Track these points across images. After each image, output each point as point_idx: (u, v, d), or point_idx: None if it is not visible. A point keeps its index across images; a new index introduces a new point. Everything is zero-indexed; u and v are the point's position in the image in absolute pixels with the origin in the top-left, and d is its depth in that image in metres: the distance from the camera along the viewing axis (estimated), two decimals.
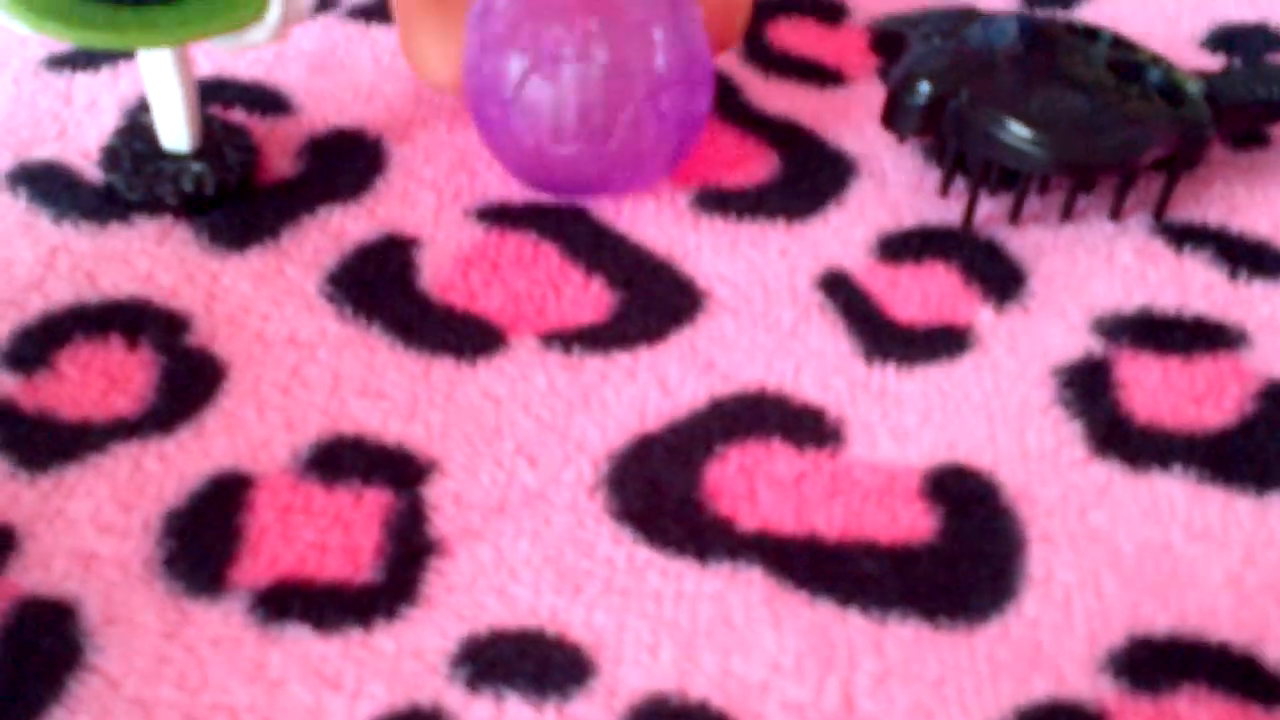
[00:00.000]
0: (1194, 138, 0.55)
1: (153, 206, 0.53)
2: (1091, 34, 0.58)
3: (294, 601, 0.40)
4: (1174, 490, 0.46)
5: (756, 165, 0.58)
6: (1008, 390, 0.49)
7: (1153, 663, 0.40)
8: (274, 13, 0.50)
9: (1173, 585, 0.43)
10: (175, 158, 0.54)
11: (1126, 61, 0.57)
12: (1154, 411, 0.49)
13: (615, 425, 0.46)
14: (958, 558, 0.43)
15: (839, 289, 0.53)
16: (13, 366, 0.47)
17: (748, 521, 0.44)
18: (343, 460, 0.44)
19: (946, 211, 0.57)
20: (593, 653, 0.40)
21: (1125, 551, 0.44)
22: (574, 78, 0.50)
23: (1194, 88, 0.56)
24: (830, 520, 0.44)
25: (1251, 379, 0.50)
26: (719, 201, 0.56)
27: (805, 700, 0.39)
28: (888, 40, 0.66)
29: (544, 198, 0.56)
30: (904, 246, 0.55)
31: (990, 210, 0.57)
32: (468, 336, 0.49)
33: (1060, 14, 0.71)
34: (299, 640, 0.39)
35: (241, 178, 0.54)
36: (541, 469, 0.45)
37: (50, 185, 0.54)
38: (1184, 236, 0.56)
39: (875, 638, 0.41)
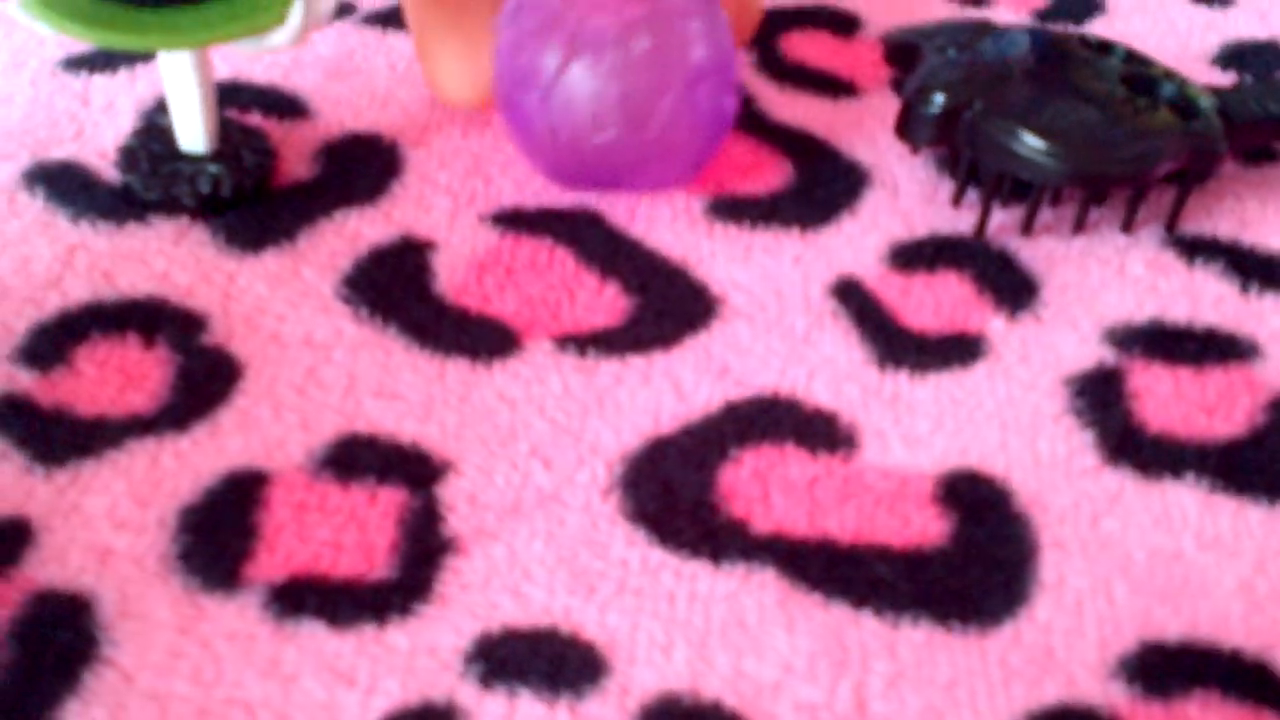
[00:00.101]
0: (1206, 152, 0.55)
1: (170, 207, 0.53)
2: (1105, 48, 0.59)
3: (309, 598, 0.40)
4: (1185, 499, 0.46)
5: (771, 174, 0.59)
6: (1020, 398, 0.49)
7: (1164, 669, 0.40)
8: (295, 17, 0.50)
9: (1184, 592, 0.43)
10: (192, 159, 0.54)
11: (1140, 76, 0.57)
12: (1166, 421, 0.49)
13: (630, 428, 0.47)
14: (970, 562, 0.43)
15: (852, 296, 0.53)
16: (30, 363, 0.47)
17: (761, 524, 0.44)
18: (358, 459, 0.45)
19: (959, 222, 0.57)
20: (606, 652, 0.40)
21: (1137, 559, 0.44)
22: (617, 63, 0.50)
23: (1207, 103, 0.57)
24: (843, 524, 0.44)
25: (1262, 390, 0.50)
26: (733, 209, 0.56)
27: (818, 701, 0.39)
28: (901, 53, 0.66)
29: (559, 203, 0.56)
30: (917, 255, 0.55)
31: (1003, 221, 0.57)
32: (483, 339, 0.50)
33: (1073, 28, 0.72)
34: (313, 636, 0.39)
35: (258, 180, 0.55)
36: (556, 470, 0.45)
37: (68, 185, 0.54)
38: (1195, 249, 0.57)
39: (888, 640, 0.41)
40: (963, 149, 0.55)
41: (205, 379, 0.47)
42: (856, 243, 0.55)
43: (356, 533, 0.42)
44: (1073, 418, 0.49)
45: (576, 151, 0.53)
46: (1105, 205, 0.59)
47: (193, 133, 0.54)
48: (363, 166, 0.57)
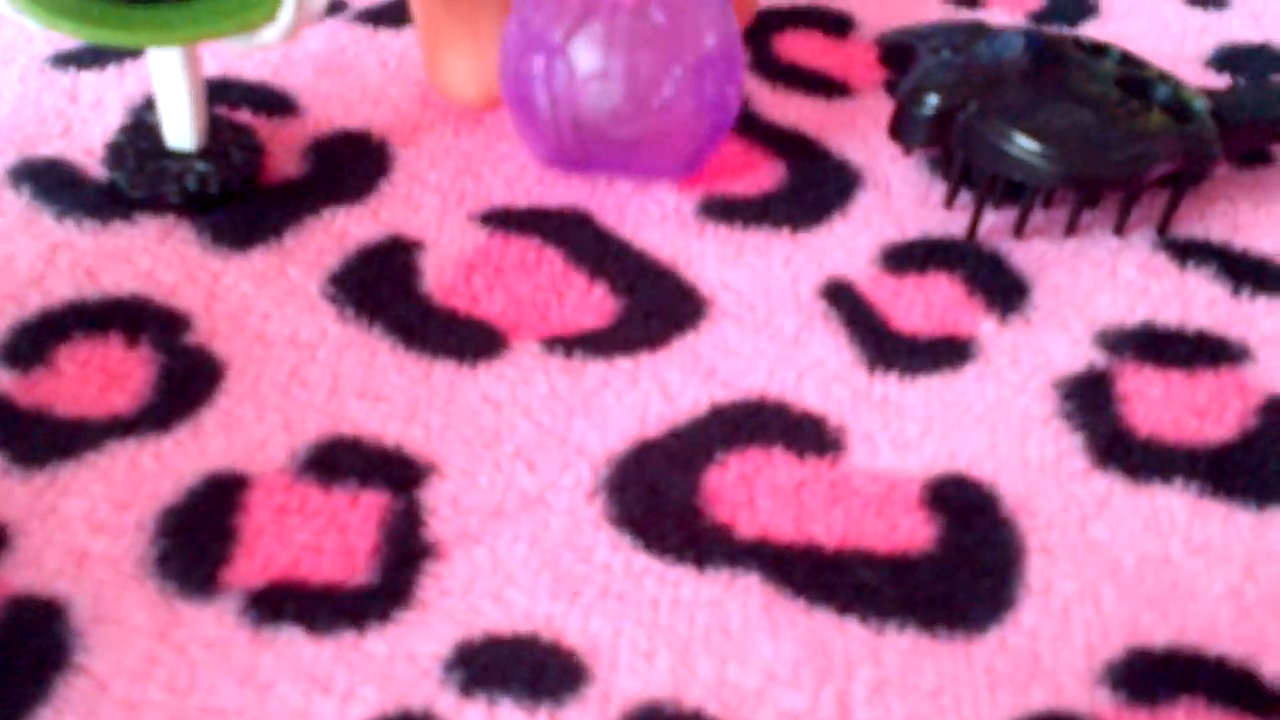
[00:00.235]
0: (1200, 155, 0.55)
1: (156, 205, 0.53)
2: (1100, 50, 0.58)
3: (287, 603, 0.40)
4: (1174, 503, 0.46)
5: (762, 174, 0.58)
6: (1009, 402, 0.49)
7: (1151, 675, 0.40)
8: (286, 14, 0.50)
9: (1172, 598, 0.43)
10: (180, 156, 0.54)
11: (1134, 78, 0.57)
12: (1155, 425, 0.48)
13: (615, 430, 0.46)
14: (957, 567, 0.43)
15: (842, 298, 0.52)
16: (10, 363, 0.46)
17: (746, 529, 0.43)
18: (340, 461, 0.44)
19: (951, 223, 0.57)
20: (588, 659, 0.39)
21: (1125, 564, 0.43)
22: (626, 34, 0.50)
23: (1200, 105, 0.56)
24: (829, 528, 0.44)
25: (1253, 394, 0.50)
26: (724, 209, 0.56)
27: (801, 709, 0.39)
28: (896, 53, 0.66)
29: (549, 201, 0.55)
30: (908, 257, 0.55)
31: (995, 223, 0.57)
32: (469, 340, 0.49)
33: (1068, 30, 0.71)
34: (291, 643, 0.39)
35: (246, 178, 0.54)
36: (540, 473, 0.45)
37: (53, 182, 0.54)
38: (1187, 252, 0.56)
39: (873, 647, 0.40)
40: (956, 150, 0.55)
41: (188, 379, 0.47)
42: (848, 244, 0.55)
43: (337, 537, 0.42)
44: (1062, 421, 0.48)
45: (576, 124, 0.52)
46: (1098, 208, 0.58)
47: (181, 130, 0.54)
48: (352, 164, 0.57)
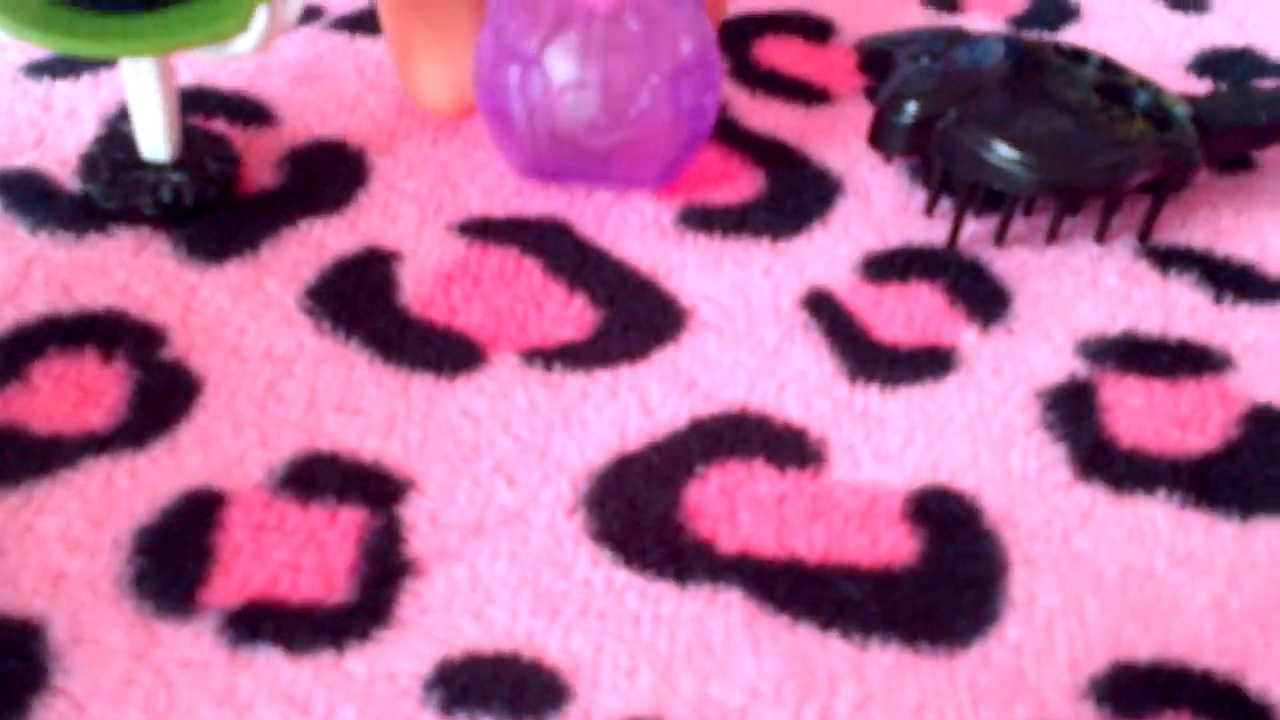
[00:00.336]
0: (1181, 162, 0.55)
1: (131, 217, 0.53)
2: (1080, 56, 0.58)
3: (265, 623, 0.39)
4: (1157, 515, 0.45)
5: (742, 183, 0.58)
6: (991, 412, 0.49)
7: (1135, 689, 0.40)
8: (259, 24, 0.49)
9: (1155, 611, 0.42)
10: (155, 167, 0.53)
11: (1114, 84, 0.57)
12: (1138, 435, 0.48)
13: (595, 444, 0.46)
14: (940, 581, 0.43)
15: (823, 308, 0.52)
16: None
17: (728, 543, 0.43)
18: (318, 478, 0.44)
19: (932, 232, 0.57)
20: (569, 676, 0.39)
21: (1108, 576, 0.43)
22: (602, 42, 0.50)
23: (1181, 111, 0.56)
24: (811, 542, 0.43)
25: (1235, 403, 0.50)
26: (704, 219, 0.56)
27: None
28: (875, 60, 0.65)
29: (528, 211, 0.55)
30: (889, 266, 0.54)
31: (976, 231, 0.57)
32: (447, 353, 0.49)
33: (1048, 35, 0.71)
34: (270, 663, 0.38)
35: (221, 188, 0.54)
36: (520, 488, 0.44)
37: (27, 194, 0.53)
38: (1169, 259, 0.56)
39: (856, 663, 0.40)
40: (935, 158, 0.55)
41: (164, 395, 0.46)
42: (828, 253, 0.55)
43: (315, 555, 0.41)
44: (1045, 432, 0.48)
45: (552, 134, 0.52)
46: (1079, 215, 0.58)
47: (155, 140, 0.53)
48: (329, 174, 0.56)
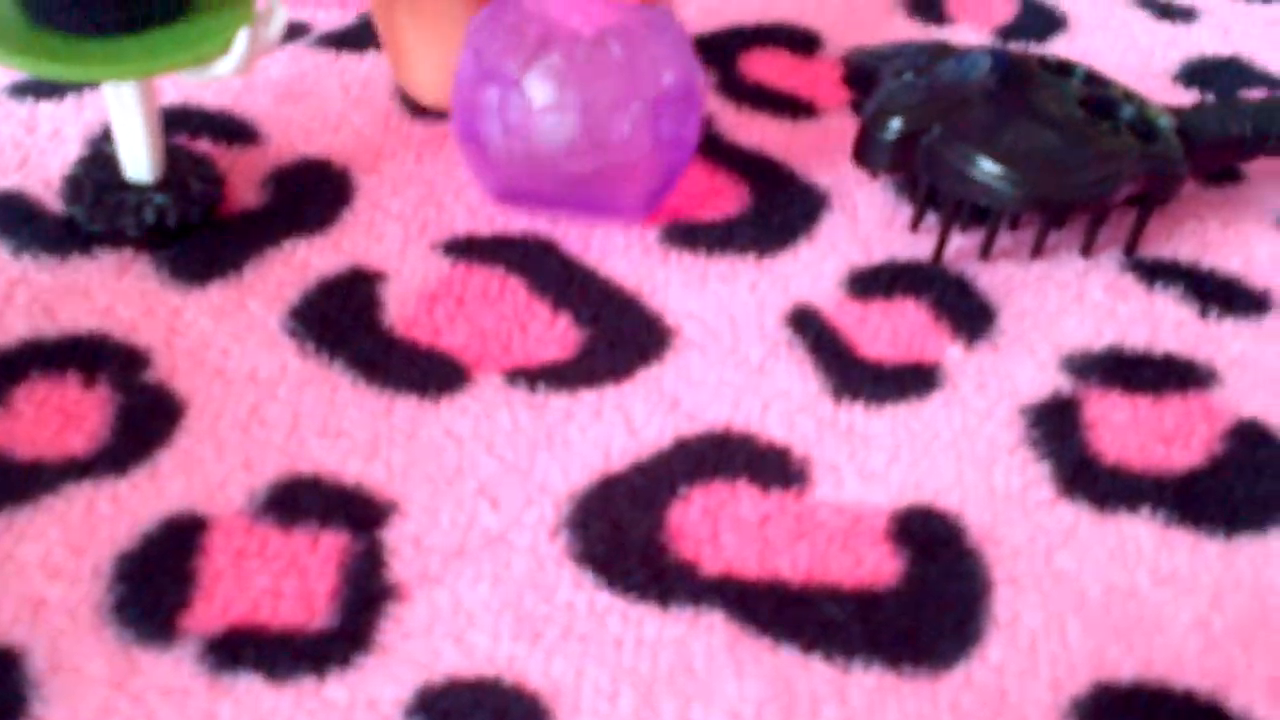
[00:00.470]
0: (1166, 175, 0.55)
1: (114, 238, 0.53)
2: (1065, 69, 0.58)
3: (246, 650, 0.39)
4: (1141, 533, 0.45)
5: (727, 199, 0.58)
6: (975, 430, 0.49)
7: (1116, 710, 0.40)
8: (240, 45, 0.49)
9: (1138, 630, 0.42)
10: (138, 188, 0.53)
11: (1099, 98, 0.57)
12: (1122, 452, 0.48)
13: (579, 465, 0.46)
14: (923, 602, 0.43)
15: (808, 325, 0.52)
16: None
17: (711, 565, 0.43)
18: (300, 502, 0.44)
19: (917, 247, 0.56)
20: (550, 701, 0.39)
21: (1091, 595, 0.43)
22: (585, 67, 0.50)
23: (1166, 124, 0.56)
24: (795, 564, 0.43)
25: (1220, 418, 0.50)
26: (689, 235, 0.56)
27: None
28: (859, 75, 0.65)
29: (513, 230, 0.55)
30: (874, 282, 0.54)
31: (961, 245, 0.57)
32: (431, 373, 0.49)
33: (1034, 47, 0.71)
34: (250, 690, 0.38)
35: (205, 209, 0.54)
36: (503, 510, 0.44)
37: (10, 216, 0.53)
38: (1155, 273, 0.56)
39: (838, 685, 0.40)
40: (920, 174, 0.55)
41: (146, 419, 0.46)
42: (813, 269, 0.55)
43: (297, 580, 0.41)
44: (1029, 449, 0.48)
45: (530, 158, 0.51)
46: (1065, 228, 0.58)
47: (138, 162, 0.53)
48: (313, 194, 0.56)
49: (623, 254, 0.54)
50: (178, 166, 0.55)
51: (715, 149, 0.61)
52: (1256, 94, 0.69)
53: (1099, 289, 0.55)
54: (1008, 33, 0.72)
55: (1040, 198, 0.52)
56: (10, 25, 0.48)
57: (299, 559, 0.42)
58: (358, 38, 0.66)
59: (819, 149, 0.62)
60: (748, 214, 0.57)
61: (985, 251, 0.56)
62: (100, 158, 0.55)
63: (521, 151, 0.51)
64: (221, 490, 0.44)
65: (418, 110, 0.61)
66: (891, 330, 0.52)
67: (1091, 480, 0.47)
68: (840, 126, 0.63)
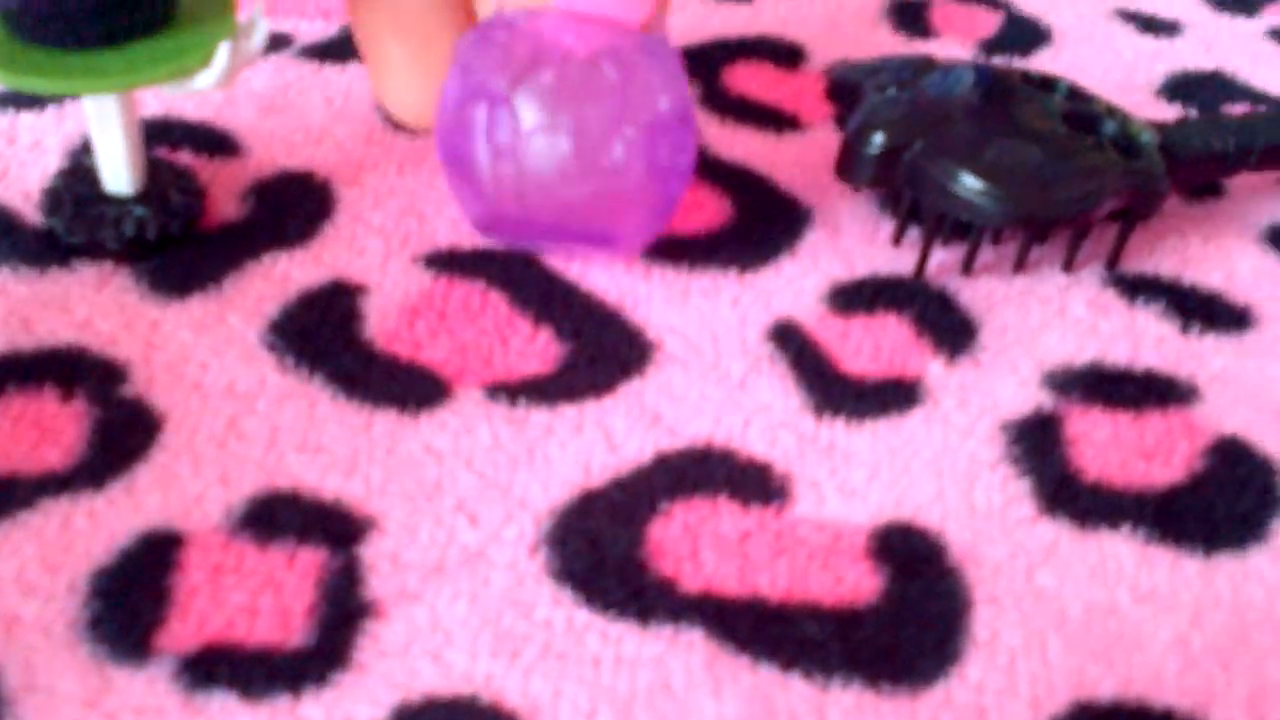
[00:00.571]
0: (1148, 191, 0.55)
1: (93, 251, 0.52)
2: (1048, 84, 0.58)
3: (221, 667, 0.39)
4: (1121, 550, 0.45)
5: (710, 212, 0.58)
6: (957, 446, 0.48)
7: None
8: (221, 59, 0.49)
9: (1118, 648, 0.42)
10: (118, 201, 0.53)
11: (1082, 113, 0.57)
12: (1103, 469, 0.48)
13: (558, 481, 0.46)
14: (903, 620, 0.42)
15: (790, 340, 0.52)
16: None
17: (690, 582, 0.43)
18: (278, 518, 0.43)
19: (899, 261, 0.56)
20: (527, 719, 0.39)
21: (1071, 613, 0.43)
22: (579, 84, 0.48)
23: (1149, 139, 0.56)
24: (774, 581, 0.43)
25: (1200, 435, 0.50)
26: (671, 250, 0.56)
27: None
28: (844, 88, 0.65)
29: (494, 243, 0.55)
30: (856, 296, 0.54)
31: (943, 260, 0.57)
32: (412, 388, 0.49)
33: (1018, 61, 0.71)
34: (225, 708, 0.38)
35: (186, 222, 0.53)
36: (482, 527, 0.44)
37: None
38: (1137, 288, 0.56)
39: (817, 703, 0.40)
40: (903, 189, 0.55)
41: (124, 433, 0.46)
42: (796, 284, 0.55)
43: (273, 597, 0.41)
44: (1010, 465, 0.48)
45: (518, 180, 0.50)
46: (1047, 243, 0.58)
47: (118, 174, 0.53)
48: (294, 206, 0.56)
49: (604, 268, 0.54)
50: (158, 179, 0.54)
51: (700, 163, 0.61)
52: (1239, 109, 0.69)
53: (1081, 304, 0.55)
54: (992, 46, 0.72)
55: (1023, 214, 0.52)
56: None
57: (276, 575, 0.42)
58: (340, 49, 0.66)
59: (802, 163, 0.62)
60: (730, 228, 0.57)
61: (967, 266, 0.56)
62: (80, 170, 0.55)
63: (510, 175, 0.50)
64: (198, 506, 0.44)
65: (400, 124, 0.61)
66: (873, 345, 0.52)
67: (1072, 497, 0.47)
68: (824, 141, 0.63)
